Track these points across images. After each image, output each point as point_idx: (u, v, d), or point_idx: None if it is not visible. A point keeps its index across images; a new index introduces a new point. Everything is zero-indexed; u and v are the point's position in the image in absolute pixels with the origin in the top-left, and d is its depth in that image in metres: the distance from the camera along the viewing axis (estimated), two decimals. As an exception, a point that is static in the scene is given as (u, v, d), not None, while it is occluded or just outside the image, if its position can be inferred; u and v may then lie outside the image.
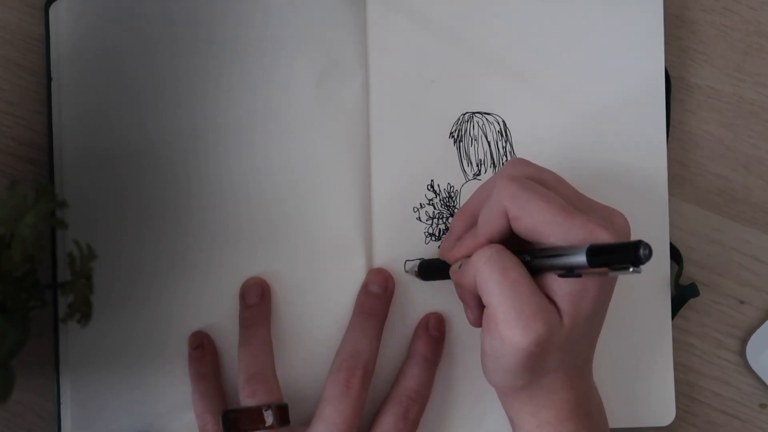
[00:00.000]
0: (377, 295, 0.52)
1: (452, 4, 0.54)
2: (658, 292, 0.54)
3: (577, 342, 0.45)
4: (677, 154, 0.56)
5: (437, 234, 0.54)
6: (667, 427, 0.55)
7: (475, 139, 0.54)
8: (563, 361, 0.44)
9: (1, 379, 0.42)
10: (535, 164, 0.47)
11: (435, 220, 0.54)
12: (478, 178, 0.54)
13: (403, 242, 0.54)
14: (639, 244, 0.38)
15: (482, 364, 0.46)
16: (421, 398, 0.51)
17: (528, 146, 0.54)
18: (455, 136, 0.54)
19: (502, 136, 0.54)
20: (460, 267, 0.46)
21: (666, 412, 0.54)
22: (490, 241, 0.45)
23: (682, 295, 0.55)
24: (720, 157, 0.57)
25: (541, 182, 0.45)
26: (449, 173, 0.54)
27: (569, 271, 0.41)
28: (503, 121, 0.54)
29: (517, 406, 0.46)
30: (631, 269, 0.39)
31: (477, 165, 0.54)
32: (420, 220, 0.54)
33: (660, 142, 0.55)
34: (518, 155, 0.54)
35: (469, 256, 0.46)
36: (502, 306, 0.42)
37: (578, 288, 0.43)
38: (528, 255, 0.43)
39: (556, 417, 0.45)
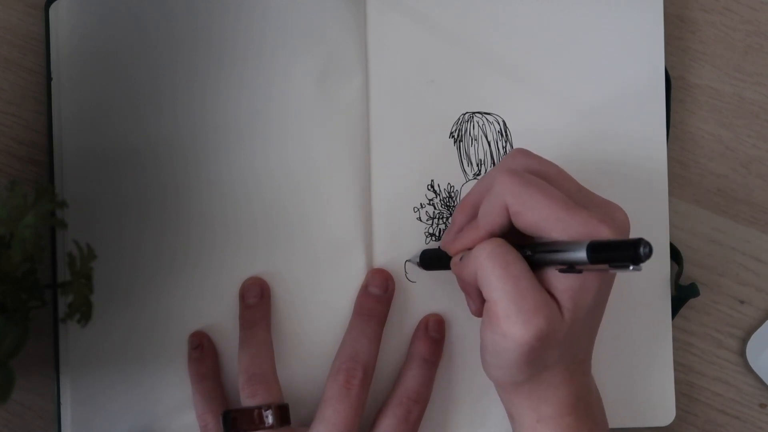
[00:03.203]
0: (377, 296, 0.52)
1: (452, 3, 0.54)
2: (658, 292, 0.54)
3: (578, 337, 0.45)
4: (677, 154, 0.56)
5: (437, 234, 0.54)
6: (667, 427, 0.55)
7: (476, 139, 0.54)
8: (564, 355, 0.44)
9: (1, 379, 0.42)
10: (536, 155, 0.47)
11: (435, 220, 0.54)
12: (478, 178, 0.54)
13: (403, 242, 0.54)
14: (639, 242, 0.38)
15: (482, 358, 0.46)
16: (422, 399, 0.51)
17: (528, 146, 0.53)
18: (455, 136, 0.54)
19: (502, 136, 0.54)
20: (461, 259, 0.46)
21: (666, 412, 0.54)
22: (491, 235, 0.45)
23: (682, 295, 0.55)
24: (720, 157, 0.57)
25: (542, 175, 0.45)
26: (449, 173, 0.54)
27: (570, 267, 0.42)
28: (503, 121, 0.54)
29: (517, 401, 0.46)
30: (631, 267, 0.39)
31: (477, 165, 0.54)
32: (420, 220, 0.54)
33: (660, 142, 0.55)
34: (518, 155, 0.54)
35: (470, 249, 0.46)
36: (503, 301, 0.42)
37: (578, 283, 0.43)
38: (529, 249, 0.43)
39: (556, 411, 0.45)
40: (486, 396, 0.53)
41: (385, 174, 0.54)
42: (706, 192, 0.56)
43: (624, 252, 0.39)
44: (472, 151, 0.54)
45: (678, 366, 0.55)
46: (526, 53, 0.55)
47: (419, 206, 0.54)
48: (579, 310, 0.43)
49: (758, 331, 0.55)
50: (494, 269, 0.43)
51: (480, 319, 0.46)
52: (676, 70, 0.56)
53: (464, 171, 0.54)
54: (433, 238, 0.54)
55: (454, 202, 0.54)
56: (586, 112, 0.55)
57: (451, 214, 0.54)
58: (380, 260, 0.54)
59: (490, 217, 0.45)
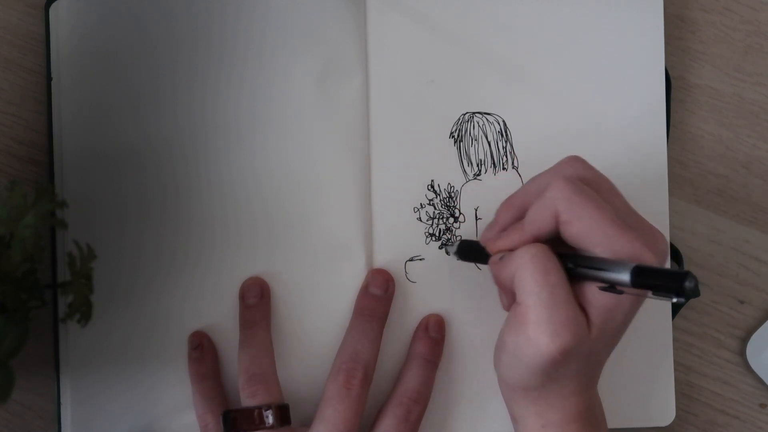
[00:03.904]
0: (377, 297, 0.52)
1: (452, 3, 0.54)
2: (658, 292, 0.54)
3: (597, 353, 0.45)
4: (677, 154, 0.56)
5: (437, 234, 0.54)
6: (667, 427, 0.55)
7: (476, 139, 0.54)
8: (580, 369, 0.44)
9: (1, 379, 0.42)
10: (592, 167, 0.46)
11: (435, 220, 0.54)
12: (478, 178, 0.54)
13: (403, 242, 0.54)
14: (686, 275, 0.38)
15: (496, 356, 0.46)
16: (422, 399, 0.51)
17: (528, 146, 0.54)
18: (455, 136, 0.54)
19: (502, 136, 0.54)
20: (501, 258, 0.46)
21: (666, 412, 0.54)
22: (536, 240, 0.44)
23: (682, 295, 0.55)
24: (720, 157, 0.57)
25: (595, 187, 0.45)
26: (449, 173, 0.54)
27: (611, 286, 0.41)
28: (503, 121, 0.54)
29: (524, 404, 0.46)
30: (674, 299, 0.39)
31: (477, 165, 0.54)
32: (420, 221, 0.54)
33: (660, 142, 0.55)
34: (518, 155, 0.54)
35: (511, 250, 0.45)
36: (536, 308, 0.42)
37: (613, 303, 0.43)
38: (571, 262, 0.43)
39: (562, 419, 0.45)
40: (486, 396, 0.53)
41: (385, 174, 0.54)
42: (706, 192, 0.56)
43: (668, 282, 0.39)
44: (472, 151, 0.54)
45: (678, 366, 0.55)
46: (526, 53, 0.55)
47: (419, 206, 0.54)
48: (607, 329, 0.43)
49: (758, 331, 0.55)
50: (534, 273, 0.42)
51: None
52: (676, 70, 0.56)
53: (464, 171, 0.54)
54: (433, 238, 0.54)
55: (454, 202, 0.54)
56: (586, 111, 0.55)
57: (451, 214, 0.54)
58: (380, 260, 0.54)
59: (539, 222, 0.44)
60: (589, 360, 0.44)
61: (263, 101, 0.53)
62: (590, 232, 0.42)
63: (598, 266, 0.42)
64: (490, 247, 0.47)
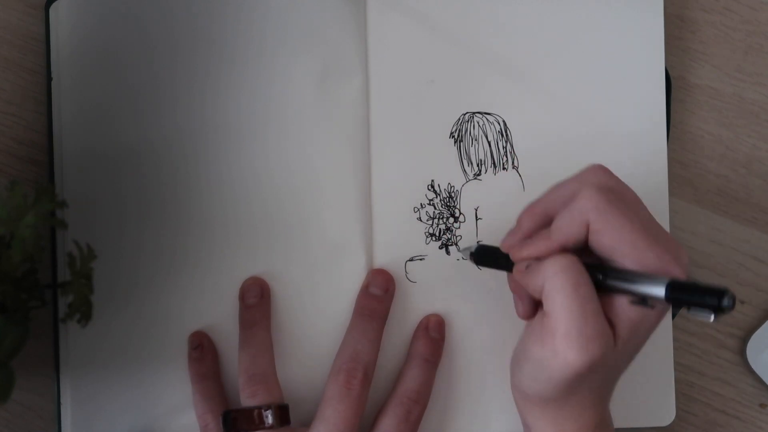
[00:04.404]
0: (378, 297, 0.52)
1: (452, 3, 0.54)
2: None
3: (619, 367, 0.45)
4: (677, 154, 0.56)
5: (437, 234, 0.54)
6: (667, 427, 0.55)
7: (476, 139, 0.54)
8: (601, 382, 0.44)
9: (1, 379, 0.42)
10: (617, 177, 0.45)
11: (435, 220, 0.54)
12: (478, 178, 0.54)
13: (403, 242, 0.54)
14: (724, 292, 0.37)
15: (517, 366, 0.45)
16: (422, 399, 0.51)
17: (528, 146, 0.54)
18: (455, 136, 0.54)
19: (502, 136, 0.54)
20: (527, 267, 0.45)
21: (666, 412, 0.54)
22: (563, 248, 0.43)
23: (682, 295, 0.55)
24: (720, 157, 0.57)
25: (621, 198, 0.44)
26: (449, 173, 0.54)
27: (642, 300, 0.41)
28: (503, 121, 0.54)
29: (539, 414, 0.46)
30: (712, 318, 0.38)
31: (477, 165, 0.54)
32: (420, 220, 0.54)
33: (660, 142, 0.55)
34: (518, 155, 0.54)
35: (537, 258, 0.44)
36: (566, 321, 0.41)
37: (640, 316, 0.42)
38: (601, 273, 0.42)
39: (578, 430, 0.45)
40: (486, 396, 0.53)
41: (385, 174, 0.54)
42: (706, 192, 0.56)
43: (705, 298, 0.38)
44: (472, 151, 0.54)
45: (678, 366, 0.55)
46: (526, 53, 0.55)
47: (419, 206, 0.54)
48: (632, 343, 0.43)
49: (758, 331, 0.55)
50: (564, 287, 0.42)
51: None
52: (676, 70, 0.56)
53: (464, 171, 0.54)
54: (433, 238, 0.54)
55: (454, 202, 0.54)
56: (586, 112, 0.55)
57: (451, 214, 0.54)
58: (380, 260, 0.54)
59: (567, 231, 0.43)
60: (610, 374, 0.44)
61: (263, 101, 0.53)
62: (620, 243, 0.42)
63: (630, 279, 0.41)
64: (515, 255, 0.46)
